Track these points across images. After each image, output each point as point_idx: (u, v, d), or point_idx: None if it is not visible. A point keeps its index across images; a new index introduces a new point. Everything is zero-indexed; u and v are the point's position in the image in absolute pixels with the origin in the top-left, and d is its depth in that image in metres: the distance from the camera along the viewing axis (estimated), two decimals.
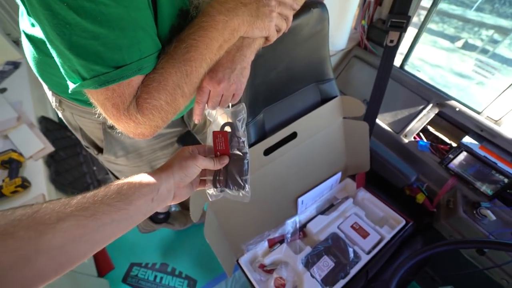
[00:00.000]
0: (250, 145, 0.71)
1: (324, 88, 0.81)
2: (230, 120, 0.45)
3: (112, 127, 0.65)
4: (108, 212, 0.30)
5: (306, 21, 0.59)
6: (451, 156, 0.87)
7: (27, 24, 0.47)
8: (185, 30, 0.40)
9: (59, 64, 0.36)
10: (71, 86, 0.36)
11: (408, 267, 0.66)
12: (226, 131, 0.44)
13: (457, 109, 0.91)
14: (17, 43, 1.73)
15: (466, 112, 0.91)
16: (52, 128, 1.75)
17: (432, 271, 1.10)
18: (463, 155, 0.85)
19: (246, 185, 0.44)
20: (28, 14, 0.32)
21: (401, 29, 0.84)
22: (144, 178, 0.35)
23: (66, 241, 0.27)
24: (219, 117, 0.47)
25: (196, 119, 0.46)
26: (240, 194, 0.45)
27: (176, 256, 1.36)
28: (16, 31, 1.80)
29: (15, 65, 1.67)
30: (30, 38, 0.49)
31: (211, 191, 0.45)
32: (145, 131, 0.42)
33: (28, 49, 0.53)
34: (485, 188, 0.83)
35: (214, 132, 0.44)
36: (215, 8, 0.38)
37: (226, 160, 0.44)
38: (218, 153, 0.44)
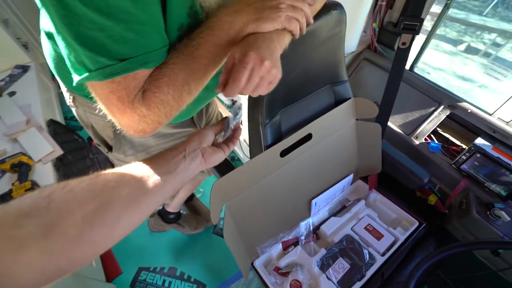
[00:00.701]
0: (267, 146, 0.72)
1: (338, 90, 0.82)
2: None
3: None
4: (154, 169, 0.38)
5: (325, 23, 0.60)
6: (464, 157, 0.87)
7: (47, 22, 0.48)
8: (195, 30, 0.41)
9: (65, 56, 0.36)
10: (76, 78, 0.36)
11: (425, 269, 0.66)
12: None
13: (469, 111, 0.92)
14: (26, 46, 1.74)
15: (478, 114, 0.92)
16: (60, 131, 1.76)
17: (443, 273, 1.10)
18: (476, 156, 0.85)
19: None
20: (41, 6, 0.32)
21: (414, 31, 0.85)
22: (167, 150, 0.43)
23: (130, 191, 0.33)
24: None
25: (228, 96, 0.44)
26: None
27: (185, 260, 1.35)
28: (25, 36, 1.82)
29: (24, 68, 1.68)
30: (49, 35, 0.50)
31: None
32: (147, 127, 0.42)
33: (47, 47, 0.55)
34: (499, 189, 0.83)
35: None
36: (223, 11, 0.40)
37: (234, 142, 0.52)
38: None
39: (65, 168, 1.56)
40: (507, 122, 0.93)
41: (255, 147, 0.75)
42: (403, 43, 0.88)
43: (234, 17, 0.40)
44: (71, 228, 0.26)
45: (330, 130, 0.83)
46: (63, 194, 0.27)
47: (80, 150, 1.77)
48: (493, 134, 0.87)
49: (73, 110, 0.70)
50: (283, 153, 0.73)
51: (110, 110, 0.40)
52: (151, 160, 0.39)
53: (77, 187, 0.29)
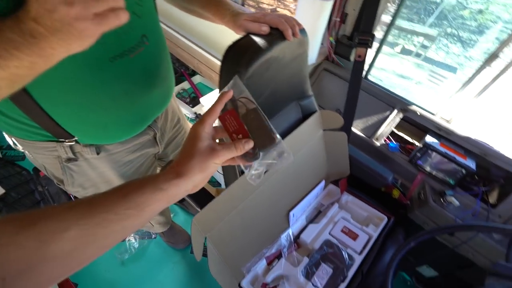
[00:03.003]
0: (242, 171, 0.71)
1: (304, 105, 0.84)
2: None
3: (69, 160, 0.62)
4: (117, 221, 0.29)
5: (288, 46, 0.61)
6: (418, 154, 0.97)
7: None
8: None
9: None
10: None
11: (399, 259, 0.73)
12: (230, 109, 0.40)
13: (418, 113, 1.03)
14: None
15: (425, 115, 1.03)
16: None
17: (411, 257, 1.22)
18: (428, 153, 0.96)
19: (276, 134, 0.40)
20: None
21: (367, 45, 0.92)
22: (157, 182, 0.32)
23: (74, 248, 0.27)
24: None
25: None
26: (275, 152, 0.41)
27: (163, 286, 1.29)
28: None
29: None
30: None
31: (249, 174, 0.41)
32: None
33: None
34: (448, 179, 0.95)
35: (219, 118, 0.40)
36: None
37: (249, 144, 0.39)
38: (234, 135, 0.40)
39: (9, 208, 1.36)
40: (447, 121, 1.06)
41: (229, 173, 0.74)
42: (359, 56, 0.95)
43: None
44: None
45: (301, 144, 0.85)
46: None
47: (25, 184, 1.56)
48: (439, 131, 0.99)
49: (26, 153, 0.65)
50: None
51: None
52: (120, 201, 0.30)
53: (14, 242, 0.24)
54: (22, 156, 1.67)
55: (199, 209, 0.63)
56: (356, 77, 0.93)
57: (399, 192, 1.05)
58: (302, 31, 0.65)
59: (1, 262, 0.23)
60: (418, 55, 3.67)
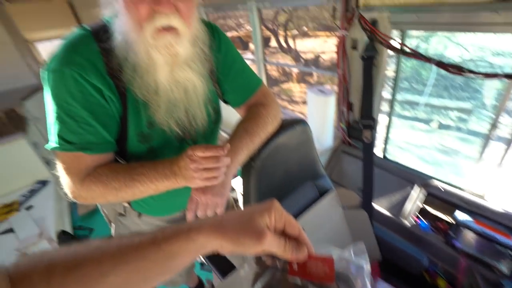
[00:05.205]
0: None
1: (319, 184, 0.94)
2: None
3: (121, 215, 0.83)
4: (151, 267, 0.31)
5: (292, 135, 0.78)
6: (451, 233, 0.91)
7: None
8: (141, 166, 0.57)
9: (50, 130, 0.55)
10: (50, 145, 0.55)
11: None
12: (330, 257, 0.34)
13: (443, 189, 1.02)
14: (48, 162, 1.98)
15: (451, 191, 1.01)
16: (69, 242, 1.80)
17: None
18: (463, 232, 0.89)
19: None
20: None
21: (371, 127, 1.05)
22: (190, 233, 0.32)
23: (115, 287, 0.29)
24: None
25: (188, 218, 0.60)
26: None
27: None
28: (49, 153, 2.08)
29: (44, 183, 1.87)
30: None
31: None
32: (80, 198, 0.58)
33: None
34: (498, 264, 0.83)
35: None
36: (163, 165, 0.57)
37: (302, 252, 0.33)
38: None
39: None
40: (481, 196, 1.01)
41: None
42: (366, 138, 1.07)
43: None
44: None
45: (320, 222, 0.90)
46: None
47: None
48: (469, 207, 0.94)
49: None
50: None
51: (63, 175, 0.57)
52: (156, 250, 0.31)
53: None
54: (87, 235, 1.95)
55: (219, 275, 0.69)
56: (368, 157, 1.02)
57: (445, 283, 0.93)
58: (303, 122, 0.82)
59: None
60: (458, 128, 3.57)
